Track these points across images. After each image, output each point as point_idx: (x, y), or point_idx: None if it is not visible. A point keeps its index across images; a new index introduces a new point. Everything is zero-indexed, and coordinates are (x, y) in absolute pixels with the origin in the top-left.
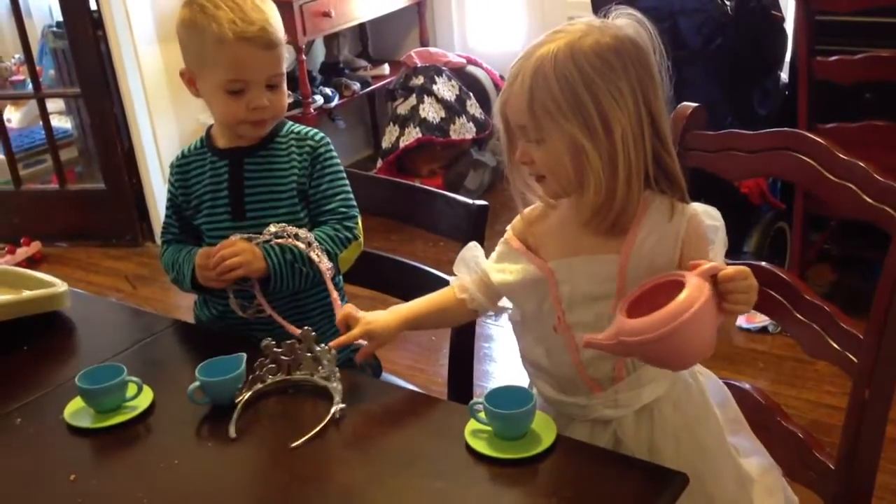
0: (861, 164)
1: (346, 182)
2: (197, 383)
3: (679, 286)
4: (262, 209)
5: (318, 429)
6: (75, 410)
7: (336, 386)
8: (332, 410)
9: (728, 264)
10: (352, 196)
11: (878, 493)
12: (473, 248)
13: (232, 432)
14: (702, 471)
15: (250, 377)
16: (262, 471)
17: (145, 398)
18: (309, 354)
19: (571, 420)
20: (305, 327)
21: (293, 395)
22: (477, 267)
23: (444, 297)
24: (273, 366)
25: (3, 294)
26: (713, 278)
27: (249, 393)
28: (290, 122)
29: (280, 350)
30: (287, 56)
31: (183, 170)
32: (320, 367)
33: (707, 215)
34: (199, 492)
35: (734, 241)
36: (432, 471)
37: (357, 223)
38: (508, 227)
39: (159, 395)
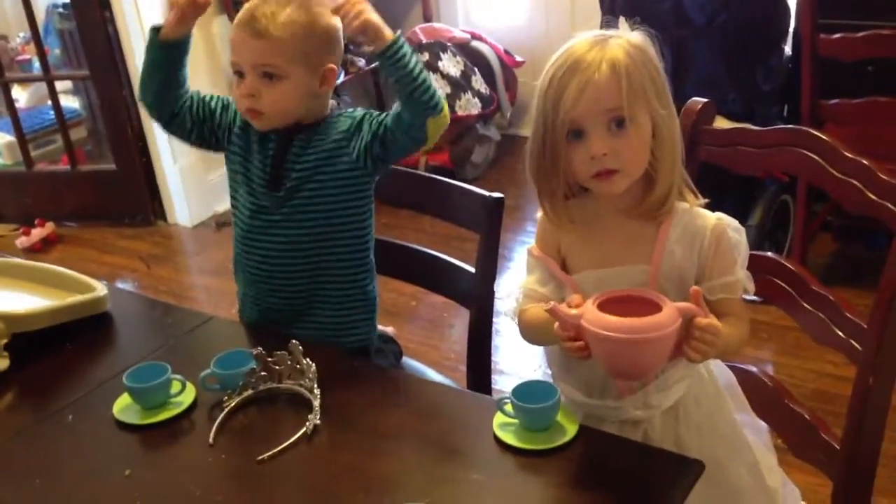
0: (865, 161)
1: None
2: (209, 371)
3: (652, 307)
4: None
5: (287, 443)
6: (123, 407)
7: (315, 402)
8: (306, 425)
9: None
10: None
11: (884, 462)
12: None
13: (211, 439)
14: (722, 458)
15: (241, 384)
16: (300, 467)
17: (189, 395)
18: (297, 366)
19: (602, 421)
20: (293, 341)
21: (276, 405)
22: (523, 293)
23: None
24: (265, 373)
25: (44, 292)
26: (691, 319)
27: (238, 399)
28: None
29: (271, 359)
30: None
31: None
32: (306, 380)
33: (732, 228)
34: (245, 484)
35: (739, 214)
36: (467, 462)
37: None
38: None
39: (200, 390)
